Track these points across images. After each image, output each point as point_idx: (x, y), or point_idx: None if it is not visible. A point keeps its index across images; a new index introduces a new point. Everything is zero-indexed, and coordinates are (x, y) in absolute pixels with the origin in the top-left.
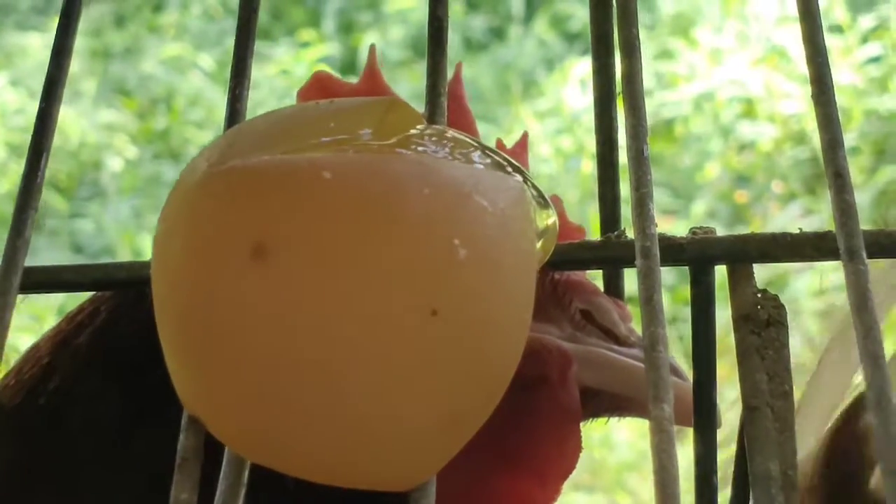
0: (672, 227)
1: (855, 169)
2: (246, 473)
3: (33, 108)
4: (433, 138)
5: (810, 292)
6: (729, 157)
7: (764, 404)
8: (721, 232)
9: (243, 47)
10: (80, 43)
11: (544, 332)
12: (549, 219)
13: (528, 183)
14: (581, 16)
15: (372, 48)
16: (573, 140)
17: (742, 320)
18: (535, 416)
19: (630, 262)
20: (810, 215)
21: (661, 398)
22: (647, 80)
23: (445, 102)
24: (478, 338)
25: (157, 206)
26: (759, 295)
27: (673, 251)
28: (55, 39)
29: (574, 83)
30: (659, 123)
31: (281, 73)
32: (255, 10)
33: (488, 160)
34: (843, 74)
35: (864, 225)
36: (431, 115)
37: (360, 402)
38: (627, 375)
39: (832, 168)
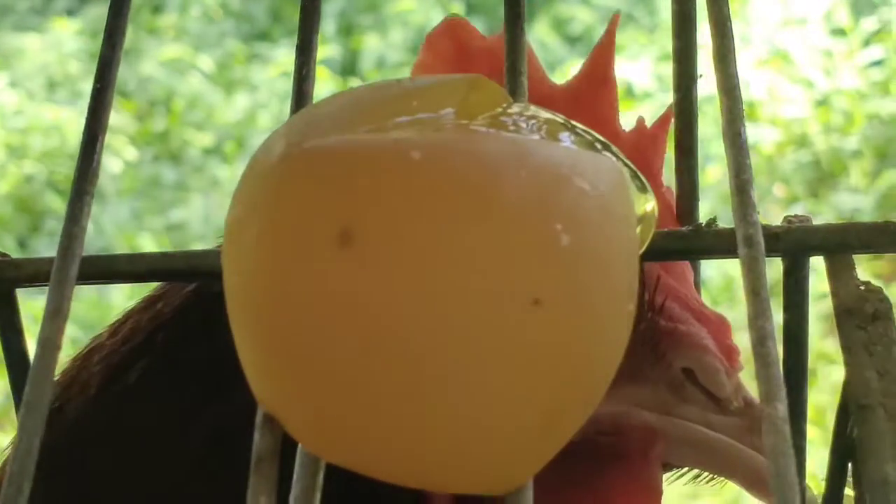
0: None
1: (858, 172)
2: (321, 476)
3: (32, 109)
4: (521, 117)
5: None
6: None
7: (876, 403)
8: None
9: (308, 27)
10: (79, 44)
11: (634, 398)
12: (647, 203)
13: (624, 163)
14: (582, 18)
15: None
16: None
17: (846, 314)
18: (612, 492)
19: (721, 253)
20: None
21: (773, 396)
22: (649, 83)
23: (526, 81)
24: (581, 330)
25: (156, 207)
26: (862, 287)
27: (769, 241)
28: (107, 20)
29: None
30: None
31: (281, 74)
32: None
33: (580, 139)
34: (846, 78)
35: None
36: (513, 95)
37: (454, 399)
38: (716, 456)
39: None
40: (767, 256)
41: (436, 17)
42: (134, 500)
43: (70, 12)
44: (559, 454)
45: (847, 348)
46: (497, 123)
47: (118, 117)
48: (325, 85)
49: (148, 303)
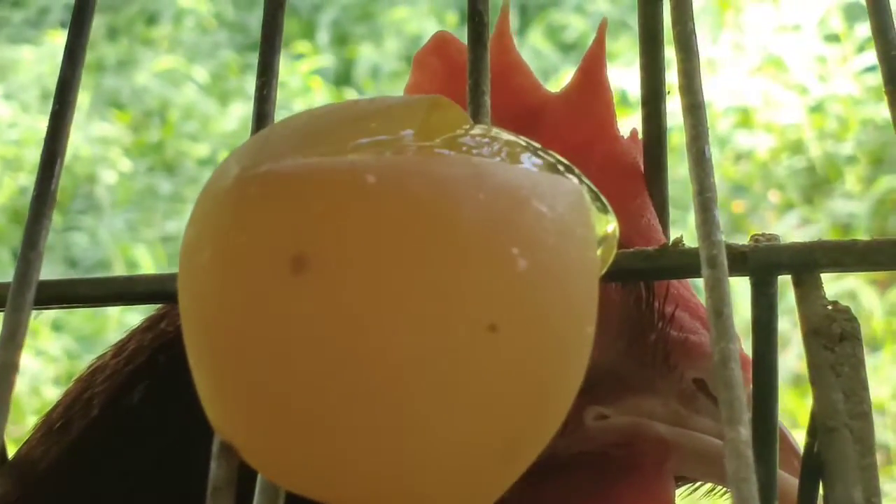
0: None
1: (853, 178)
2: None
3: (27, 121)
4: (481, 139)
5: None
6: (726, 167)
7: (842, 425)
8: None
9: (269, 46)
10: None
11: (645, 410)
12: (608, 224)
13: (585, 184)
14: (576, 26)
15: (504, 10)
16: None
17: (812, 335)
18: None
19: (689, 273)
20: (808, 224)
21: (736, 419)
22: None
23: (489, 101)
24: (539, 355)
25: (151, 218)
26: (829, 307)
27: (735, 260)
28: (67, 39)
29: None
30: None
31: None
32: (282, 6)
33: (541, 161)
34: (840, 84)
35: (864, 235)
36: (475, 115)
37: (410, 427)
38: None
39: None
40: (735, 276)
41: (430, 27)
42: None
43: (64, 24)
44: (571, 467)
45: (814, 369)
46: (456, 145)
47: (112, 129)
48: (319, 95)
49: (151, 322)
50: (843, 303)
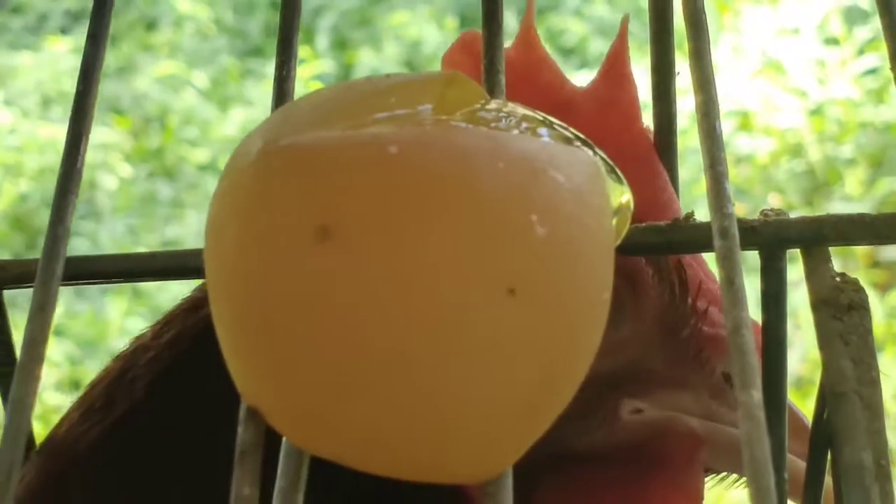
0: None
1: (853, 181)
2: (305, 469)
3: (27, 127)
4: (498, 113)
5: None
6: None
7: (851, 391)
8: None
9: (289, 25)
10: (73, 62)
11: (678, 404)
12: (622, 196)
13: (600, 157)
14: (576, 30)
15: (529, 10)
16: None
17: (822, 305)
18: (655, 497)
19: (700, 247)
20: None
21: (749, 384)
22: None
23: (503, 79)
24: (556, 319)
25: (151, 224)
26: (837, 279)
27: (745, 234)
28: (90, 22)
29: None
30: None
31: None
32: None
33: (557, 134)
34: (840, 87)
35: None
36: (491, 91)
37: (433, 388)
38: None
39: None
40: (745, 249)
41: (429, 31)
42: (176, 498)
43: (63, 30)
44: (607, 459)
45: (823, 338)
46: (474, 119)
47: (112, 134)
48: None
49: (193, 303)
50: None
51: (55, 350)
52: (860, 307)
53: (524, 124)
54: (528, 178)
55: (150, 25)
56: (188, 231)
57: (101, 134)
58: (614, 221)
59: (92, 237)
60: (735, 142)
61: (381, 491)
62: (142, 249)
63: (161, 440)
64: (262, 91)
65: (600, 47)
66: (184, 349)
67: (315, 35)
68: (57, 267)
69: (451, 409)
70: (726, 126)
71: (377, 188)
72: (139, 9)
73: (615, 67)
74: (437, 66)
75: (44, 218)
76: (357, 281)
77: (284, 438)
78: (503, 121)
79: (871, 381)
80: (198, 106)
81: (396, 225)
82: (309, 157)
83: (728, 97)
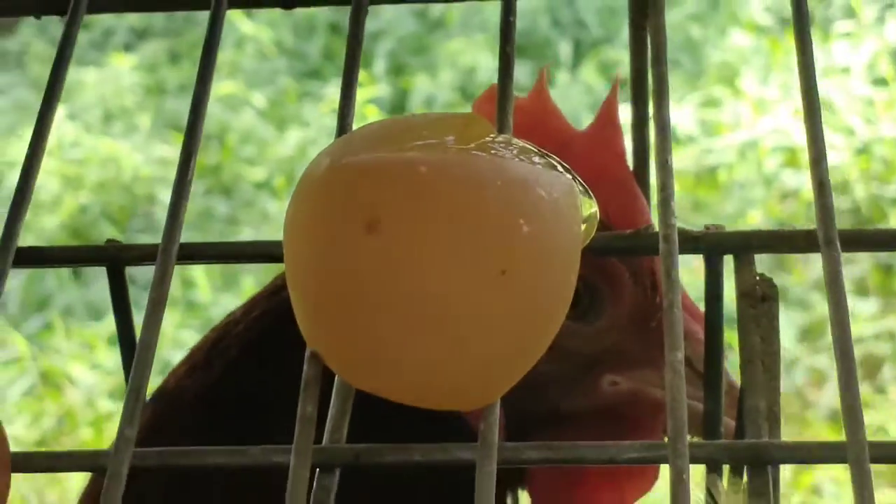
0: None
1: None
2: (351, 400)
3: (90, 141)
4: (503, 145)
5: None
6: (771, 205)
7: (757, 359)
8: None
9: (350, 74)
10: (135, 78)
11: (646, 379)
12: (591, 208)
13: (576, 180)
14: (628, 63)
15: (542, 71)
16: None
17: (742, 297)
18: None
19: (653, 250)
20: (850, 264)
21: (675, 347)
22: (692, 128)
23: (511, 121)
24: (534, 291)
25: (207, 239)
26: (756, 278)
27: (690, 242)
28: (200, 63)
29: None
30: (703, 170)
31: (332, 111)
32: (360, 43)
33: (544, 161)
34: (887, 127)
35: None
36: (501, 129)
37: (446, 339)
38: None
39: (817, 179)
40: (689, 254)
41: (484, 59)
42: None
43: (127, 47)
44: (590, 419)
45: (741, 321)
46: (485, 148)
47: (172, 150)
48: None
49: (275, 288)
50: None
51: (109, 359)
52: (770, 299)
53: (521, 154)
54: (520, 192)
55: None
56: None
57: (161, 150)
58: (583, 227)
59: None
60: (782, 177)
61: (402, 416)
62: (198, 269)
63: (248, 394)
64: (318, 112)
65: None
66: (268, 323)
67: (373, 60)
68: (173, 249)
69: (459, 354)
70: (773, 161)
71: (410, 196)
72: (202, 28)
73: (607, 115)
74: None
75: (103, 230)
76: (393, 261)
77: (336, 375)
78: (506, 150)
79: (772, 352)
80: (256, 125)
81: (423, 222)
82: (362, 173)
83: (777, 133)
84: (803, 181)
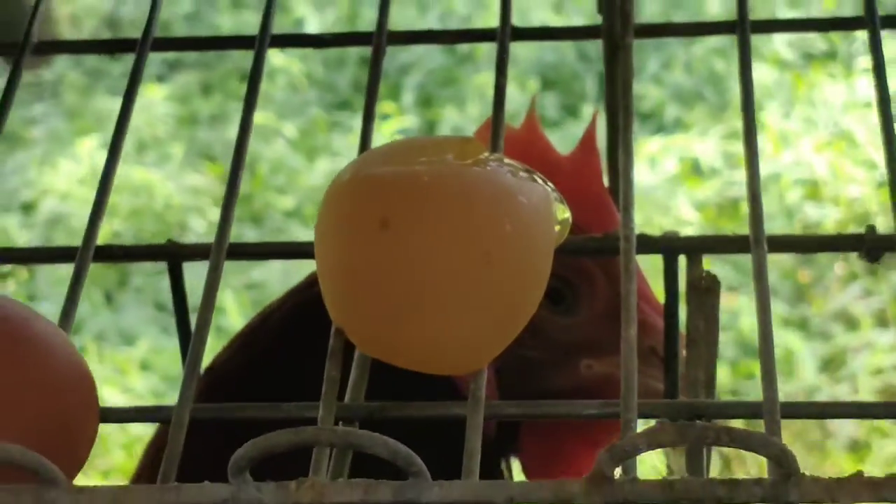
0: (736, 303)
1: None
2: (368, 367)
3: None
4: (494, 162)
5: (868, 371)
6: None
7: (700, 339)
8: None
9: (370, 107)
10: (168, 109)
11: (618, 363)
12: (564, 213)
13: (554, 190)
14: (653, 96)
15: (533, 100)
16: (641, 214)
17: (691, 289)
18: (597, 425)
19: (617, 251)
20: (870, 296)
21: (630, 324)
22: (716, 160)
23: (502, 142)
24: (513, 278)
25: (237, 266)
26: (704, 273)
27: (649, 243)
28: (245, 98)
29: (644, 160)
30: (726, 202)
31: None
32: (377, 80)
33: (527, 174)
34: None
35: None
36: (493, 149)
37: (443, 315)
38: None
39: (751, 191)
40: (648, 254)
41: (512, 92)
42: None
43: (160, 78)
44: (575, 395)
45: (689, 307)
46: (479, 164)
47: (204, 180)
48: None
49: (307, 283)
50: None
51: (140, 383)
52: (713, 290)
53: (508, 168)
54: (505, 199)
55: (244, 77)
56: (272, 274)
57: (193, 179)
58: (557, 228)
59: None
60: (803, 209)
61: (406, 381)
62: (228, 290)
63: (284, 370)
64: (347, 143)
65: (676, 112)
66: (300, 310)
67: (401, 92)
68: (225, 243)
69: (453, 327)
70: (795, 194)
71: (414, 201)
72: (234, 61)
73: (588, 141)
74: (517, 125)
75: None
76: (401, 252)
77: (356, 347)
78: (496, 166)
79: (712, 334)
80: (286, 155)
81: (424, 221)
82: (378, 182)
83: (799, 166)
84: (826, 214)
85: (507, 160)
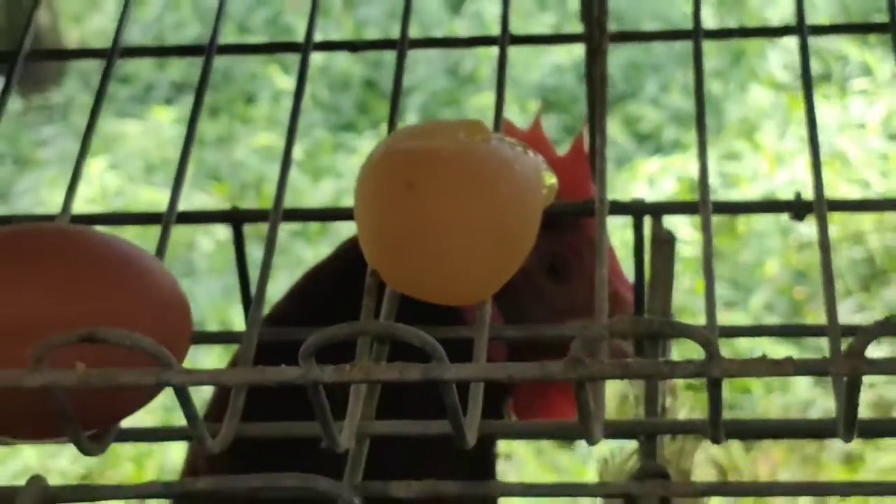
0: (732, 318)
1: None
2: (397, 300)
3: (131, 190)
4: (497, 140)
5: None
6: (788, 255)
7: (659, 281)
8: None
9: (394, 108)
10: (176, 131)
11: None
12: (551, 179)
13: (543, 162)
14: (652, 118)
15: (539, 111)
16: None
17: (653, 242)
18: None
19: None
20: (863, 311)
21: (602, 265)
22: (713, 180)
23: (503, 126)
24: (510, 228)
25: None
26: (664, 230)
27: (621, 207)
28: (290, 122)
29: (643, 180)
30: (723, 220)
31: None
32: (401, 79)
33: (521, 148)
34: None
35: None
36: (496, 129)
37: (456, 255)
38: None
39: (701, 162)
40: (620, 215)
41: (512, 113)
42: None
43: (168, 101)
44: (566, 347)
45: (651, 258)
46: (484, 140)
47: (211, 200)
48: None
49: (351, 244)
50: None
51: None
52: (670, 243)
53: (508, 143)
54: (504, 166)
55: (250, 99)
56: (279, 293)
57: (201, 199)
58: (545, 191)
59: (190, 294)
60: (798, 228)
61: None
62: (236, 307)
63: (334, 310)
64: (352, 164)
65: (674, 134)
66: (345, 265)
67: (405, 113)
68: (280, 208)
69: (464, 265)
70: None
71: (434, 168)
72: (239, 84)
73: (577, 144)
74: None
75: None
76: (423, 208)
77: (388, 285)
78: (498, 142)
79: (668, 277)
80: (292, 176)
81: (442, 184)
82: (404, 155)
83: (794, 185)
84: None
85: (505, 137)
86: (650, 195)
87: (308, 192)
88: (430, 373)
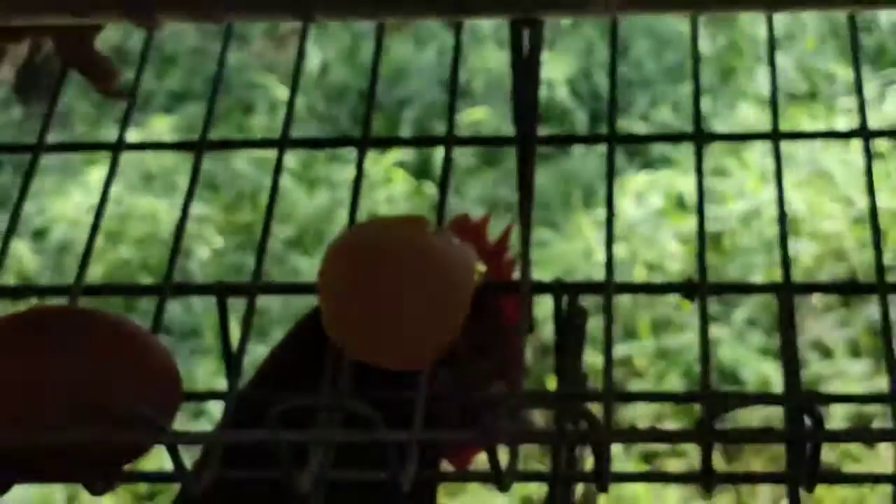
0: (716, 332)
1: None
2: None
3: (130, 199)
4: (439, 233)
5: None
6: (772, 271)
7: (573, 355)
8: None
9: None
10: (175, 139)
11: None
12: (481, 268)
13: (473, 251)
14: (641, 134)
15: (487, 218)
16: (627, 248)
17: (568, 319)
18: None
19: (517, 290)
20: (844, 327)
21: (524, 334)
22: None
23: (445, 223)
24: (447, 305)
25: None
26: (578, 308)
27: (545, 288)
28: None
29: (631, 196)
30: (710, 237)
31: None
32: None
33: (458, 242)
34: (883, 198)
35: None
36: (440, 212)
37: (402, 331)
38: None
39: (608, 243)
40: (544, 294)
41: (506, 128)
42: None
43: (167, 109)
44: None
45: (566, 334)
46: (429, 234)
47: (207, 208)
48: (400, 185)
49: (312, 315)
50: None
51: None
52: (583, 320)
53: (447, 237)
54: (443, 256)
55: (247, 109)
56: (274, 302)
57: (197, 208)
58: (476, 276)
59: (184, 303)
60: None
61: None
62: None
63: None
64: (347, 175)
65: (662, 149)
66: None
67: (399, 125)
68: (260, 278)
69: (412, 333)
70: (774, 229)
71: (387, 257)
72: (237, 94)
73: (504, 237)
74: (512, 159)
75: (142, 282)
76: (378, 291)
77: (346, 353)
78: (440, 236)
79: (579, 352)
80: (287, 186)
81: (394, 271)
82: (363, 247)
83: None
84: (802, 249)
85: (447, 232)
86: (638, 211)
87: (303, 203)
88: (372, 435)
